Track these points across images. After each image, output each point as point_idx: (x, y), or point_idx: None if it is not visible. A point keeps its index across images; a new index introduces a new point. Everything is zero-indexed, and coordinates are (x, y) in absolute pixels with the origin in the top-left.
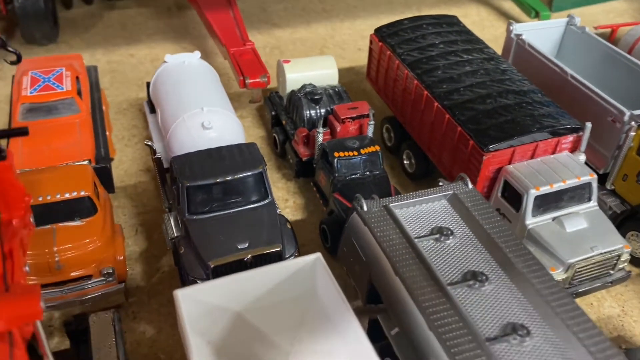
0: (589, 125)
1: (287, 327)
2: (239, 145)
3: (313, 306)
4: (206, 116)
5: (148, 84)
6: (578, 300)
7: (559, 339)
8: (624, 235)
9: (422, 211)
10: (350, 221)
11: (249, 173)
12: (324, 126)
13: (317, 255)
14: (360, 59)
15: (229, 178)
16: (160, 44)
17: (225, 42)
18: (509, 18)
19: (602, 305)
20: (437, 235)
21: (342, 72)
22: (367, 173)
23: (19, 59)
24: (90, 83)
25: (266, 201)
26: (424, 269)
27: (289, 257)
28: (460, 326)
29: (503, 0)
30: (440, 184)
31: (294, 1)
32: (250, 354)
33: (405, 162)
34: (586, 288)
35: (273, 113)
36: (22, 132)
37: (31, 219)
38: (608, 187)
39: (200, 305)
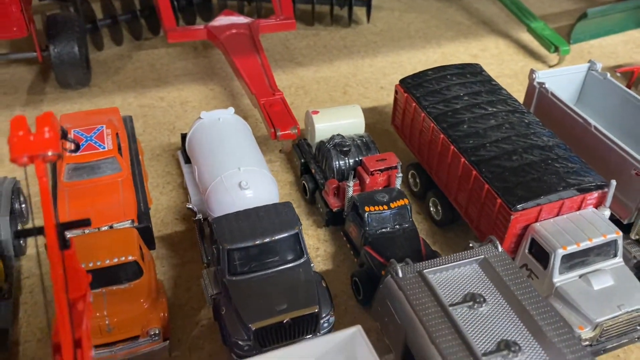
0: (613, 182)
1: None
2: (275, 205)
3: None
4: (243, 176)
5: (182, 136)
6: (605, 356)
7: None
8: None
9: (454, 276)
10: (385, 284)
11: (287, 234)
12: (353, 178)
13: (357, 327)
14: (382, 98)
15: (267, 240)
16: (189, 86)
17: (255, 92)
18: (527, 51)
19: (628, 358)
20: (471, 303)
21: (366, 112)
22: (397, 226)
23: (77, 148)
24: (128, 135)
25: (302, 260)
26: (459, 338)
27: (325, 317)
28: None
29: (522, 33)
30: (470, 245)
31: (315, 38)
32: None
33: (431, 209)
34: (613, 345)
35: (302, 161)
36: (85, 223)
37: (90, 299)
38: (632, 237)
39: None
